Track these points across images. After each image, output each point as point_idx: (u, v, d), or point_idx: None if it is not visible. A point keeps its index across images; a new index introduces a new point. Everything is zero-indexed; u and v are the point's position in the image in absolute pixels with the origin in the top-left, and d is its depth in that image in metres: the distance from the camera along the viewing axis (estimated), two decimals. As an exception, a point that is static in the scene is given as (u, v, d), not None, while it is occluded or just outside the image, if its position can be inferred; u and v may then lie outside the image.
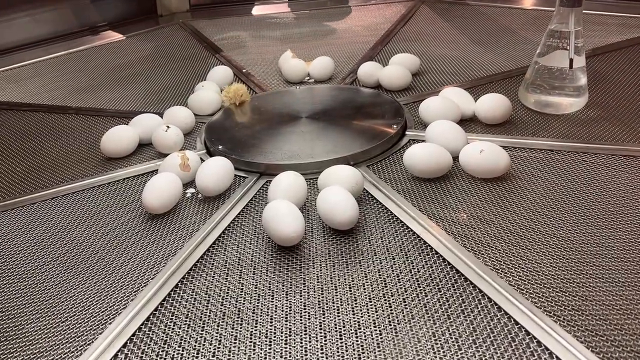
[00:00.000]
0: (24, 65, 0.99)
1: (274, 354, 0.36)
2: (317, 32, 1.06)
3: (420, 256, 0.43)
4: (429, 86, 0.75)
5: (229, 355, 0.36)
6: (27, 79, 0.93)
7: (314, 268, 0.43)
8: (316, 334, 0.37)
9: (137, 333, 0.38)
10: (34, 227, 0.52)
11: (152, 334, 0.38)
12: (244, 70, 0.87)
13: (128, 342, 0.37)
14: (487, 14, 1.07)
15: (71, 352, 0.37)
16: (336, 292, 0.40)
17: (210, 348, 0.36)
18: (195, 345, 0.37)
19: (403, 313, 0.38)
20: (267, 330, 0.38)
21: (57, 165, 0.63)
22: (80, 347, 0.37)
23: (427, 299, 0.39)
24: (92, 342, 0.37)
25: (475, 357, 0.34)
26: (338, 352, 0.35)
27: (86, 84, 0.88)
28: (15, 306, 0.42)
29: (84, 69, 0.96)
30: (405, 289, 0.40)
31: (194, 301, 0.41)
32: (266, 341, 0.37)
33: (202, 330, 0.38)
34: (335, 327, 0.37)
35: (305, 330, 0.37)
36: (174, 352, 0.36)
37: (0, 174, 0.62)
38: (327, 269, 0.43)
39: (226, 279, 0.43)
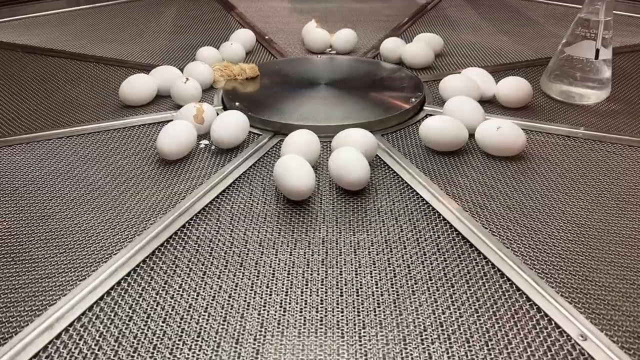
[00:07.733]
0: (46, 14, 1.00)
1: (274, 302, 0.36)
2: (343, 7, 1.06)
3: (426, 222, 0.43)
4: (451, 67, 0.75)
5: (229, 300, 0.36)
6: (50, 27, 0.93)
7: (320, 228, 0.43)
8: (317, 289, 0.37)
9: (141, 265, 0.39)
10: (49, 162, 0.52)
11: (157, 267, 0.38)
12: (266, 37, 0.87)
13: (132, 272, 0.38)
14: (515, 6, 1.05)
15: (76, 276, 0.38)
16: (340, 254, 0.40)
17: (210, 292, 0.37)
18: (195, 287, 0.37)
19: (406, 276, 0.38)
20: (268, 281, 0.38)
21: (75, 108, 0.63)
22: (85, 273, 0.38)
23: (430, 262, 0.39)
24: (97, 269, 0.38)
25: (473, 317, 0.34)
26: (338, 306, 0.36)
27: (108, 36, 0.89)
28: (25, 232, 0.42)
29: (106, 23, 0.96)
30: (409, 253, 0.40)
31: (198, 247, 0.41)
32: (267, 290, 0.37)
33: (203, 275, 0.38)
34: (337, 284, 0.37)
35: (307, 284, 0.37)
36: (174, 292, 0.37)
37: (20, 111, 0.63)
38: (333, 231, 0.43)
39: (231, 229, 0.43)
